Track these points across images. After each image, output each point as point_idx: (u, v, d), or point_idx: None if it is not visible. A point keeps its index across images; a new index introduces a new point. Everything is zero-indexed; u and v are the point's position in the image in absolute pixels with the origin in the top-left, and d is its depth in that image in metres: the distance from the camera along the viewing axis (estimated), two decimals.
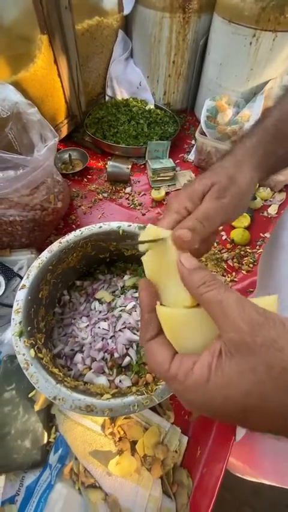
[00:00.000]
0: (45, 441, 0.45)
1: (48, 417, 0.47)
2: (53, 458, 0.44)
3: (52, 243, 0.47)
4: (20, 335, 0.38)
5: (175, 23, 0.82)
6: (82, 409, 0.33)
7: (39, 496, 0.41)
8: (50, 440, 0.46)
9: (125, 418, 0.46)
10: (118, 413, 0.33)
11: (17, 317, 0.39)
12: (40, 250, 0.47)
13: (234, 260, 0.68)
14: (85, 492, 0.40)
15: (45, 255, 0.46)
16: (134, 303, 0.49)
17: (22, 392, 0.47)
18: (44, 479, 0.43)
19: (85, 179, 0.85)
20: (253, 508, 0.99)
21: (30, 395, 0.47)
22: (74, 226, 0.74)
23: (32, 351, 0.37)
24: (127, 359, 0.44)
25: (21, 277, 0.53)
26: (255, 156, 0.29)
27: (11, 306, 0.41)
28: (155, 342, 0.20)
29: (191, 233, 0.22)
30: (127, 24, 0.94)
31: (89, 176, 0.86)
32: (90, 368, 0.44)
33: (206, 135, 0.80)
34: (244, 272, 0.66)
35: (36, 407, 0.46)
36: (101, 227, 0.49)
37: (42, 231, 0.63)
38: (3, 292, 0.54)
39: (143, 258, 0.23)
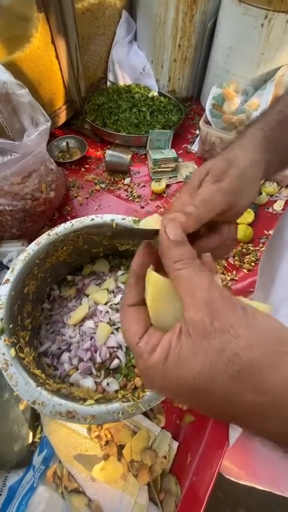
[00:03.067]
0: (30, 441, 0.43)
1: (34, 417, 0.46)
2: (37, 459, 0.43)
3: (43, 231, 0.45)
4: (1, 332, 0.36)
5: (182, 2, 0.76)
6: (63, 415, 0.31)
7: (21, 497, 0.40)
8: (35, 440, 0.44)
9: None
10: (101, 420, 0.31)
11: None
12: (32, 242, 0.45)
13: (236, 258, 0.65)
14: (68, 497, 0.39)
15: (32, 247, 0.43)
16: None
17: (6, 390, 0.45)
18: (27, 480, 0.41)
19: (83, 169, 0.81)
20: (246, 508, 0.98)
21: (15, 393, 0.45)
22: (69, 217, 0.71)
23: (13, 351, 0.35)
24: (115, 361, 0.41)
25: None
26: (257, 140, 0.27)
27: None
28: (133, 310, 0.20)
29: (185, 216, 0.20)
30: (131, 4, 0.89)
31: (87, 166, 0.82)
32: (77, 369, 0.42)
33: (210, 124, 0.75)
34: (245, 271, 0.63)
35: (21, 406, 0.44)
36: (93, 219, 0.46)
37: (34, 221, 0.61)
38: None
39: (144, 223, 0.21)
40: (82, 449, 0.41)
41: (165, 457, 0.43)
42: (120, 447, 0.42)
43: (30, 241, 0.58)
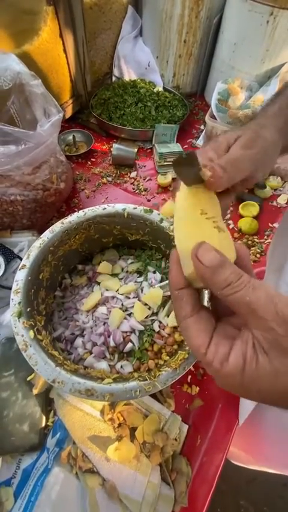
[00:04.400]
0: (43, 424, 0.44)
1: (47, 401, 0.46)
2: (50, 441, 0.44)
3: (51, 222, 0.46)
4: (19, 315, 0.36)
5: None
6: (82, 393, 0.32)
7: (36, 479, 0.41)
8: (48, 423, 0.45)
9: (124, 404, 0.45)
10: (119, 398, 0.32)
11: (16, 298, 0.38)
12: (41, 233, 0.45)
13: None
14: (82, 477, 0.40)
15: (47, 235, 0.44)
16: (135, 287, 0.47)
17: (21, 377, 0.45)
18: (41, 462, 0.42)
19: (89, 162, 0.82)
20: (247, 499, 1.00)
21: (28, 379, 0.46)
22: (76, 209, 0.72)
23: (32, 332, 0.35)
24: (129, 345, 0.42)
25: (21, 259, 0.51)
26: (278, 121, 0.28)
27: (10, 288, 0.39)
28: (191, 322, 0.19)
29: (222, 170, 0.20)
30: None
31: (93, 159, 0.83)
32: (90, 353, 0.43)
33: (216, 119, 0.77)
34: (251, 262, 0.64)
35: (35, 391, 0.45)
36: (105, 209, 0.47)
37: (44, 212, 0.61)
38: (3, 274, 0.52)
39: (175, 227, 0.21)
40: (96, 430, 0.42)
41: (176, 439, 0.44)
42: (133, 429, 0.43)
43: (39, 231, 0.59)
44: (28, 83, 0.48)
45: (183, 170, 0.19)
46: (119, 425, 0.43)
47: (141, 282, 0.48)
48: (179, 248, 0.20)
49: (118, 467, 0.40)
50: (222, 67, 0.86)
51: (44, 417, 0.45)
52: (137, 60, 0.94)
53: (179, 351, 0.36)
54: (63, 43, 0.75)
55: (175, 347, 0.42)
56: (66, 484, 0.40)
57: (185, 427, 0.46)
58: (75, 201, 0.73)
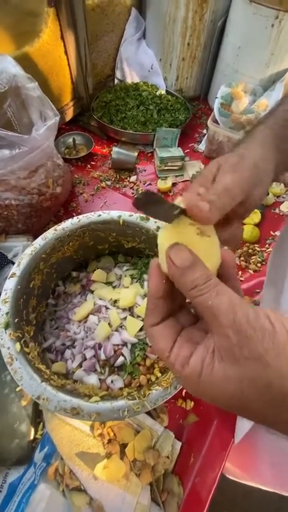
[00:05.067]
0: (31, 437, 0.43)
1: (36, 413, 0.45)
2: (38, 456, 0.42)
3: (48, 227, 0.44)
4: (6, 326, 0.35)
5: (192, 1, 0.76)
6: (67, 411, 0.30)
7: (21, 495, 0.39)
8: (36, 436, 0.44)
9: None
10: (106, 417, 0.31)
11: (4, 307, 0.36)
12: (37, 237, 0.44)
13: (242, 258, 0.64)
14: (69, 495, 0.38)
15: (39, 242, 0.43)
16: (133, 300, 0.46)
17: (7, 385, 0.44)
18: (28, 477, 0.41)
19: (89, 166, 0.81)
20: (244, 511, 0.97)
21: (17, 389, 0.44)
22: (74, 214, 0.71)
23: (18, 345, 0.34)
24: (120, 358, 0.41)
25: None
26: (267, 138, 0.27)
27: None
28: (157, 329, 0.19)
29: (208, 204, 0.19)
30: (141, 1, 0.88)
31: (93, 163, 0.82)
32: (80, 366, 0.41)
33: (218, 123, 0.75)
34: (251, 271, 0.62)
35: (24, 402, 0.44)
36: (100, 215, 0.46)
37: (40, 217, 0.60)
38: None
39: (159, 232, 0.19)
40: (84, 446, 0.40)
41: (168, 457, 0.43)
42: (123, 446, 0.42)
43: (35, 236, 0.57)
44: (24, 86, 0.47)
45: (152, 210, 0.17)
46: (109, 441, 0.41)
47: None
48: (159, 249, 0.19)
49: (106, 486, 0.38)
50: (226, 71, 0.84)
51: (32, 430, 0.43)
52: (140, 63, 0.93)
53: (163, 382, 0.34)
54: (65, 45, 0.74)
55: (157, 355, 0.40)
56: (52, 502, 0.38)
57: (178, 444, 0.44)
58: (73, 205, 0.72)
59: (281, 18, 0.68)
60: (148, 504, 0.38)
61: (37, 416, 0.45)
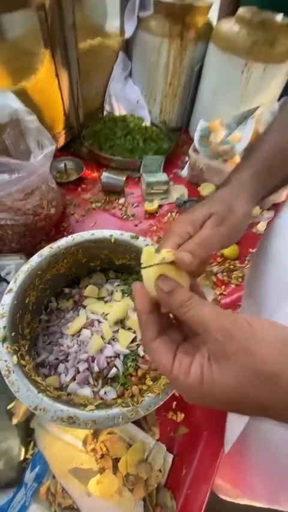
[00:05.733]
0: (21, 458, 0.42)
1: (27, 432, 0.45)
2: (29, 476, 0.41)
3: (41, 247, 0.47)
4: (4, 340, 0.36)
5: (173, 48, 0.87)
6: (64, 420, 0.32)
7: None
8: (27, 456, 0.43)
9: (108, 433, 0.44)
10: (102, 425, 0.32)
11: (1, 322, 0.38)
12: (29, 256, 0.46)
13: (224, 274, 0.69)
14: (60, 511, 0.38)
15: (35, 259, 0.45)
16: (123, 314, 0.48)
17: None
18: (18, 500, 0.40)
19: (79, 189, 0.86)
20: None
21: (9, 407, 0.44)
22: (65, 233, 0.74)
23: (15, 358, 0.35)
24: (113, 370, 0.42)
25: (8, 282, 0.52)
26: (251, 188, 0.33)
27: None
28: (157, 344, 0.22)
29: (191, 256, 0.23)
30: (128, 46, 0.99)
31: (84, 186, 0.87)
32: (74, 379, 0.42)
33: (198, 152, 0.83)
34: (233, 286, 0.67)
35: (15, 420, 0.43)
36: (93, 234, 0.49)
37: (33, 236, 0.63)
38: None
39: (143, 271, 0.23)
40: (77, 462, 0.40)
41: (160, 470, 0.43)
42: (116, 460, 0.42)
43: (27, 255, 0.59)
44: (24, 119, 0.51)
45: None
46: (102, 456, 0.42)
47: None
48: (146, 281, 0.23)
49: (99, 503, 0.38)
50: (203, 109, 0.94)
51: (23, 450, 0.43)
52: (127, 98, 1.02)
53: (162, 376, 0.37)
54: (59, 82, 0.81)
55: (159, 371, 0.42)
56: None
57: (170, 457, 0.45)
58: (64, 225, 0.75)
59: (249, 66, 0.79)
60: None
61: (27, 435, 0.45)
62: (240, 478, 0.56)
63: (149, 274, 0.23)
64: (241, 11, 0.79)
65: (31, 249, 0.65)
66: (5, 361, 0.35)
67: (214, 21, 0.92)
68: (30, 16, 0.69)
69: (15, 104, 0.51)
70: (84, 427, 0.31)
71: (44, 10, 0.68)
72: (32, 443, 0.44)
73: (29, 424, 0.45)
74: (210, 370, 0.19)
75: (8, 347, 0.36)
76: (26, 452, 0.43)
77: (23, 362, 0.36)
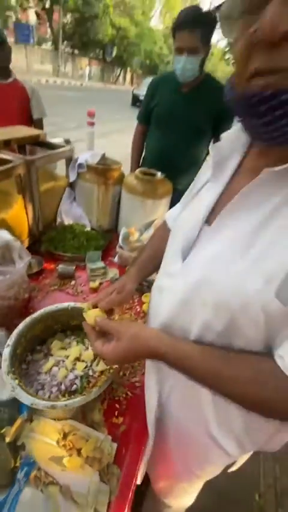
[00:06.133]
0: (11, 466, 0.62)
1: (15, 448, 0.65)
2: (20, 475, 0.61)
3: (17, 323, 0.77)
4: (8, 373, 0.63)
5: (101, 190, 1.42)
6: (48, 407, 0.59)
7: (10, 502, 0.57)
8: (16, 465, 0.63)
9: (73, 434, 0.68)
10: (72, 404, 0.60)
11: (5, 362, 0.65)
12: (8, 329, 0.76)
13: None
14: (45, 489, 0.59)
15: (22, 325, 0.75)
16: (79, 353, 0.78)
17: None
18: (13, 492, 0.59)
19: (41, 277, 1.19)
20: None
21: (2, 431, 0.66)
22: (31, 311, 1.03)
23: (17, 381, 0.62)
24: (74, 386, 0.70)
25: None
26: (135, 277, 0.74)
27: None
28: (97, 342, 0.56)
29: (106, 304, 0.61)
30: (72, 184, 1.53)
31: (44, 275, 1.21)
32: (49, 397, 0.68)
33: (123, 248, 1.29)
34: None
35: (8, 439, 0.65)
36: (57, 306, 0.83)
37: (12, 315, 0.91)
38: None
39: (86, 315, 0.60)
40: (54, 453, 0.63)
41: (109, 454, 0.68)
42: (79, 450, 0.65)
43: (7, 328, 0.87)
44: (11, 244, 0.88)
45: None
46: (70, 448, 0.65)
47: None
48: (88, 318, 0.59)
49: (70, 474, 0.61)
50: (124, 221, 1.48)
51: (12, 461, 0.63)
52: (73, 213, 1.51)
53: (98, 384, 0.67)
54: (26, 211, 1.24)
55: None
56: (34, 498, 0.57)
57: (115, 445, 0.70)
58: (30, 305, 1.05)
59: (144, 201, 1.36)
60: (98, 481, 0.61)
61: (15, 450, 0.65)
62: (167, 468, 0.80)
63: (89, 315, 0.59)
64: (138, 171, 1.41)
65: (9, 323, 0.93)
66: (10, 383, 0.62)
67: (127, 172, 1.54)
68: (10, 180, 1.14)
69: (7, 236, 0.88)
70: (64, 407, 0.59)
71: (20, 177, 1.14)
72: (19, 455, 0.65)
73: (17, 443, 0.66)
74: (116, 345, 0.53)
75: (11, 376, 0.63)
76: (15, 462, 0.63)
77: (21, 384, 0.63)
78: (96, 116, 5.75)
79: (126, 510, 0.61)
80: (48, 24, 20.53)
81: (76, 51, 23.02)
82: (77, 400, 0.61)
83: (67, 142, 1.72)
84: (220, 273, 0.44)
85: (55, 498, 0.58)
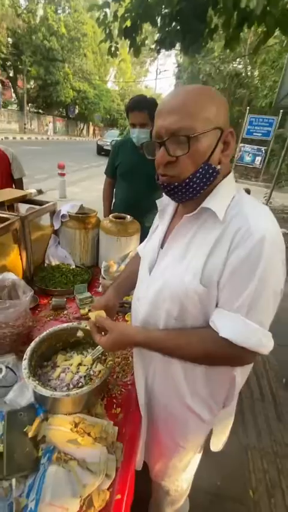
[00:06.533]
0: (35, 455, 0.79)
1: (36, 442, 0.82)
2: (43, 460, 0.77)
3: (22, 350, 0.98)
4: (29, 377, 0.83)
5: (82, 234, 1.72)
6: (64, 395, 0.79)
7: (39, 480, 0.73)
8: (38, 455, 0.79)
9: (82, 423, 0.86)
10: (81, 392, 0.80)
11: (25, 370, 0.85)
12: (16, 354, 0.97)
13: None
14: (66, 464, 0.75)
15: (33, 343, 0.96)
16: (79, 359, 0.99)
17: (19, 429, 0.82)
18: (40, 472, 0.75)
19: (37, 311, 1.39)
20: None
21: (24, 430, 0.83)
22: (33, 338, 1.22)
23: (36, 383, 0.82)
24: (80, 384, 0.90)
25: (12, 370, 0.96)
26: (116, 294, 1.00)
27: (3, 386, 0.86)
28: (97, 336, 0.81)
29: (97, 305, 0.87)
30: (56, 232, 1.81)
31: (39, 309, 1.41)
32: None
33: (105, 278, 1.55)
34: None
35: (30, 434, 0.82)
36: (58, 327, 1.05)
37: (19, 340, 1.10)
38: None
39: (90, 315, 0.84)
40: (70, 437, 0.80)
41: (112, 434, 0.86)
42: (88, 433, 0.83)
43: (16, 353, 1.06)
44: (17, 282, 1.11)
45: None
46: (81, 433, 0.83)
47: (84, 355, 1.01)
48: (92, 316, 0.84)
49: (84, 450, 0.78)
50: (104, 256, 1.76)
51: (35, 450, 0.80)
52: (59, 255, 1.76)
53: (99, 376, 0.88)
54: (21, 257, 1.48)
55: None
56: (58, 472, 0.74)
57: (116, 428, 0.89)
58: (32, 333, 1.24)
59: (119, 238, 1.67)
60: (106, 453, 0.80)
61: (36, 444, 0.82)
62: (159, 446, 0.98)
63: (92, 315, 0.83)
64: (111, 216, 1.74)
65: (16, 350, 1.11)
66: (33, 384, 0.81)
67: (102, 217, 1.87)
68: (8, 234, 1.39)
69: (13, 276, 1.11)
70: (75, 395, 0.79)
71: (16, 230, 1.40)
72: (40, 448, 0.81)
73: (37, 438, 0.83)
74: (109, 336, 0.78)
75: (31, 379, 0.83)
76: (38, 452, 0.80)
77: (40, 385, 0.82)
78: (66, 166, 6.33)
79: (130, 472, 0.79)
80: (12, 90, 22.55)
81: (41, 111, 25.13)
82: (85, 389, 0.82)
83: (40, 192, 2.00)
84: (170, 276, 0.73)
85: (74, 470, 0.75)
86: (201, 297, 0.69)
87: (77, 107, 26.99)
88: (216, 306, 0.70)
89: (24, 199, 1.71)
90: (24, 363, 0.88)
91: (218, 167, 0.67)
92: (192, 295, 0.69)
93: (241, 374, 0.80)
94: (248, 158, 11.22)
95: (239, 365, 0.74)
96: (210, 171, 0.66)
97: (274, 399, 2.11)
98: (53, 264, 1.72)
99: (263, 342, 0.64)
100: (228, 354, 0.67)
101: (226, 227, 0.66)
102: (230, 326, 0.65)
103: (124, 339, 0.78)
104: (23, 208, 1.70)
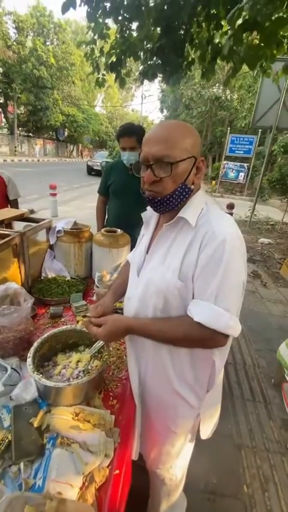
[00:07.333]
0: (41, 442, 0.87)
1: (40, 432, 0.90)
2: (48, 445, 0.86)
3: (23, 354, 1.08)
4: (33, 372, 0.93)
5: (76, 247, 1.85)
6: (66, 385, 0.89)
7: (45, 462, 0.81)
8: (43, 442, 0.88)
9: (82, 413, 0.95)
10: (82, 381, 0.91)
11: (30, 365, 0.95)
12: (19, 357, 1.07)
13: None
14: (69, 447, 0.84)
15: (36, 344, 1.06)
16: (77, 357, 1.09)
17: (26, 418, 0.91)
18: (46, 456, 0.83)
19: (35, 320, 1.49)
20: None
21: (30, 421, 0.91)
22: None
23: (40, 376, 0.92)
24: (80, 377, 1.01)
25: (16, 370, 1.06)
26: (110, 299, 1.13)
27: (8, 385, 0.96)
28: (94, 328, 0.93)
29: (95, 314, 0.99)
30: (52, 246, 1.94)
31: (38, 318, 1.51)
32: None
33: (99, 287, 1.67)
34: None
35: (36, 424, 0.90)
36: (58, 329, 1.15)
37: (21, 345, 1.20)
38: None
39: (88, 314, 0.96)
40: (71, 424, 0.90)
41: (109, 421, 0.95)
42: (88, 421, 0.93)
43: (19, 357, 1.16)
44: (18, 291, 1.22)
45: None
46: (82, 420, 0.92)
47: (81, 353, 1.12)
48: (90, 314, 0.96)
49: (85, 434, 0.87)
50: (97, 267, 1.89)
51: (40, 438, 0.88)
52: (54, 268, 1.88)
53: (97, 367, 0.99)
54: (20, 270, 1.59)
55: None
56: (62, 454, 0.83)
57: (113, 416, 0.98)
58: (33, 339, 1.33)
59: (111, 250, 1.81)
60: (105, 436, 0.89)
61: (41, 433, 0.90)
62: (152, 433, 1.08)
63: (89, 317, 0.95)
64: (103, 230, 1.89)
65: (18, 354, 1.20)
66: (38, 377, 0.91)
67: (95, 232, 2.02)
68: (8, 249, 1.52)
69: (15, 285, 1.23)
70: (76, 385, 0.89)
71: (16, 246, 1.53)
72: (43, 435, 0.90)
73: (41, 428, 0.91)
74: (104, 327, 0.90)
75: (36, 373, 0.93)
76: (43, 440, 0.88)
77: (43, 378, 0.92)
78: (57, 187, 6.55)
79: (126, 452, 0.88)
80: (3, 115, 23.26)
81: (31, 134, 25.86)
82: (85, 379, 0.93)
83: (31, 212, 2.15)
84: (155, 275, 0.88)
85: (76, 451, 0.84)
86: (180, 291, 0.83)
87: (66, 130, 27.94)
88: (193, 298, 0.83)
89: (22, 218, 1.85)
90: (29, 360, 0.98)
91: (192, 186, 0.84)
92: (173, 290, 0.83)
93: (220, 359, 0.93)
94: (232, 175, 11.83)
95: (213, 346, 0.86)
96: (186, 190, 0.83)
97: (264, 399, 2.20)
98: (50, 276, 1.84)
99: (230, 325, 0.78)
100: (203, 336, 0.80)
101: (197, 231, 0.82)
102: (202, 311, 0.78)
103: (118, 325, 0.90)
104: (18, 226, 1.84)
